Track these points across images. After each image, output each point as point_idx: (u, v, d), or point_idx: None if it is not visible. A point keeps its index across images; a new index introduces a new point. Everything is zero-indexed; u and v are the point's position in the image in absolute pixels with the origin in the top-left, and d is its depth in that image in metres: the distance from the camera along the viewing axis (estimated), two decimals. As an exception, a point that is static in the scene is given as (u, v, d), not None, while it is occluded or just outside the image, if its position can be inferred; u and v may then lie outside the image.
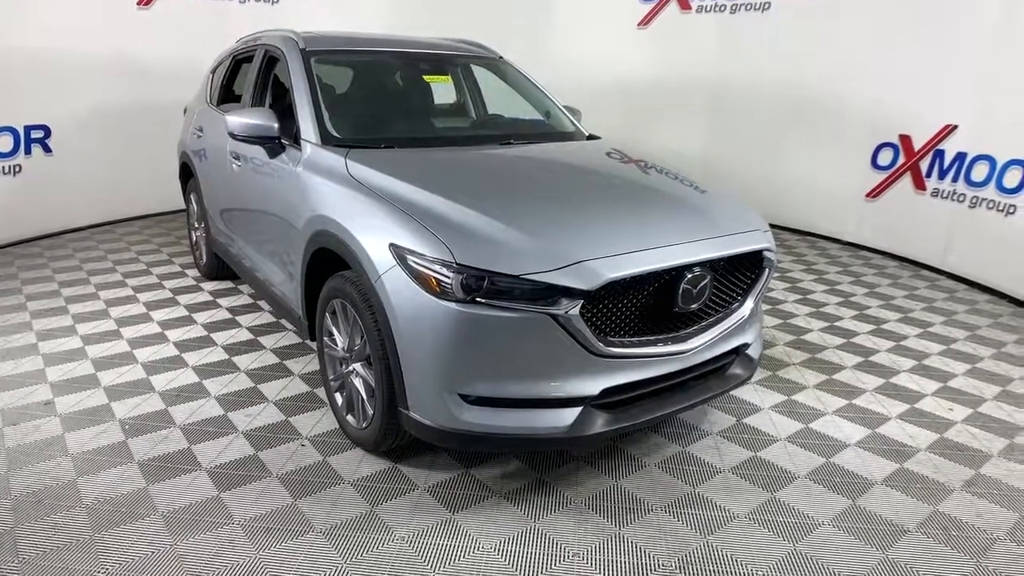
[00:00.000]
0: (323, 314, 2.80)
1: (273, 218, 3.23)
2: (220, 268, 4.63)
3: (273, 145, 3.17)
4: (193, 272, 4.99)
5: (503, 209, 2.41)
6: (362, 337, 2.52)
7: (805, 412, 3.17)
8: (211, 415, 3.00)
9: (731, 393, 3.18)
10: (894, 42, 5.61)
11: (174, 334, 3.86)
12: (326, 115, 3.09)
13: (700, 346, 2.47)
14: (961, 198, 5.27)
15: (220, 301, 4.41)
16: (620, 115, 7.23)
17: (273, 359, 3.57)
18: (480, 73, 4.17)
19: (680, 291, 2.35)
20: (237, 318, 4.12)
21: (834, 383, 3.47)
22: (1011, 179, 4.87)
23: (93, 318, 4.06)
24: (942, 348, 3.97)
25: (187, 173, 4.85)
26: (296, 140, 3.07)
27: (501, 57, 4.15)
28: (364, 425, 2.65)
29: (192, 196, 4.83)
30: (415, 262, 2.20)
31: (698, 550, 2.24)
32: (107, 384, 3.25)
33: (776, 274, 5.22)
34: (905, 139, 5.68)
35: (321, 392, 3.18)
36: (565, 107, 3.97)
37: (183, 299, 4.43)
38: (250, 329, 3.96)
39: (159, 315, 4.14)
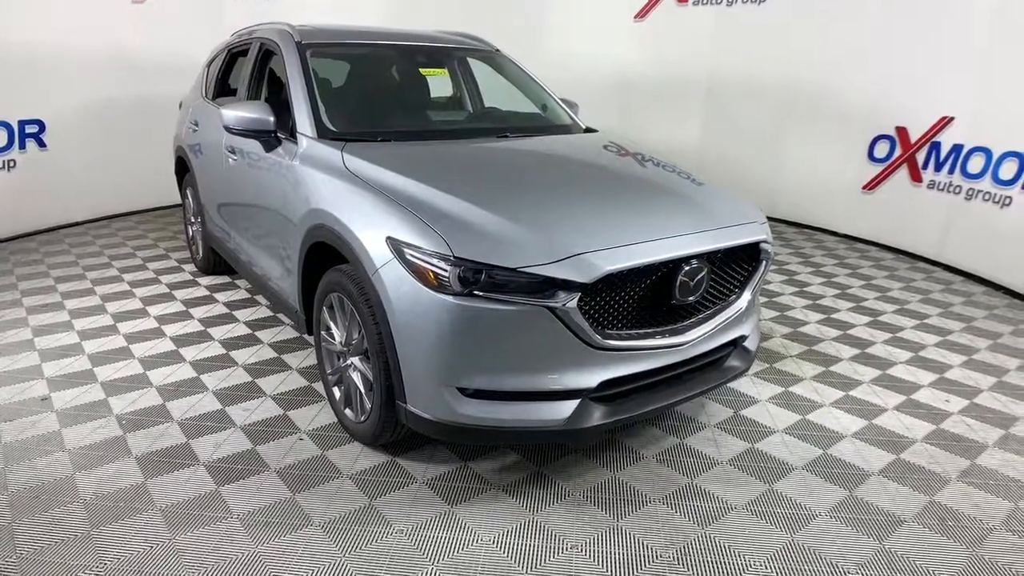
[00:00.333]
0: (320, 308, 2.80)
1: (269, 212, 3.22)
2: (217, 263, 4.62)
3: (269, 139, 3.15)
4: (190, 267, 4.97)
5: (500, 202, 2.41)
6: (360, 331, 2.51)
7: (802, 404, 3.18)
8: (209, 409, 3.00)
9: (729, 385, 3.20)
10: (890, 34, 5.60)
11: (171, 329, 3.85)
12: (322, 108, 3.08)
13: (698, 338, 2.48)
14: (957, 190, 5.28)
15: (217, 296, 4.40)
16: (616, 107, 7.23)
17: (271, 353, 3.57)
18: (477, 66, 4.15)
19: (678, 283, 2.35)
20: (234, 313, 4.12)
21: (831, 375, 3.48)
22: (1007, 171, 4.88)
23: (89, 313, 4.05)
24: (938, 339, 3.99)
25: (183, 167, 4.83)
26: (292, 134, 3.06)
27: (498, 50, 4.13)
28: (362, 419, 2.65)
29: (188, 191, 4.81)
30: (412, 255, 2.20)
31: (696, 541, 2.25)
32: (104, 379, 3.25)
33: (773, 266, 5.23)
34: (902, 131, 5.68)
35: (319, 386, 3.18)
36: (562, 100, 3.95)
37: (180, 294, 4.42)
38: (247, 324, 3.96)
39: (156, 310, 4.13)
